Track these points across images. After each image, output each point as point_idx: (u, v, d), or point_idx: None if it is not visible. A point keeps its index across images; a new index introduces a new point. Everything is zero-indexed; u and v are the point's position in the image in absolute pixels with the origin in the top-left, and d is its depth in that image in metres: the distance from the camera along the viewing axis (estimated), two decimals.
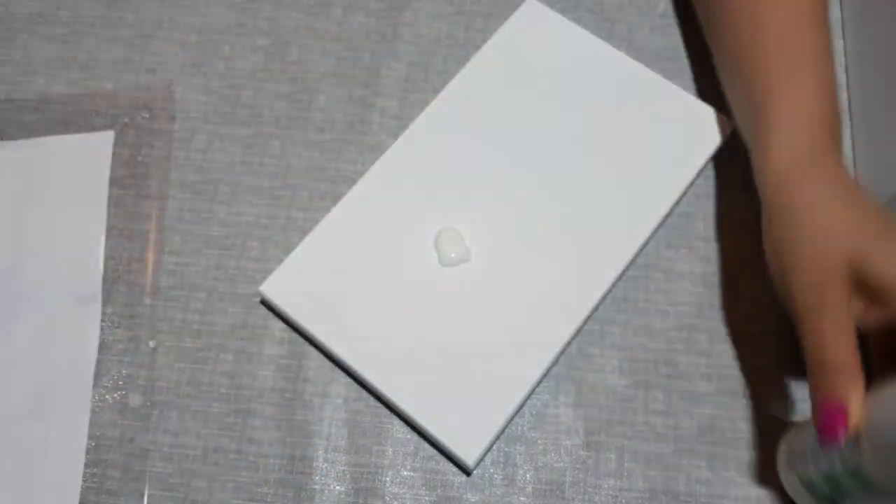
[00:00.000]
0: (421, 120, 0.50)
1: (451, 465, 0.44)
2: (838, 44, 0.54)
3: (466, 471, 0.44)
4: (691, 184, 0.49)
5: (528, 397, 0.45)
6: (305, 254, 0.47)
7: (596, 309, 0.47)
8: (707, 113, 0.50)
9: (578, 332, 0.47)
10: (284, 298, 0.46)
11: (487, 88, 0.51)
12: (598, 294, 0.46)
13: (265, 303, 0.48)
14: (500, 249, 0.47)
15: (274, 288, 0.46)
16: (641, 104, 0.50)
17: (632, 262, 0.48)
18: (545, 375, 0.46)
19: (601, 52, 0.52)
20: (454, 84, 0.51)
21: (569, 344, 0.46)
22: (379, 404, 0.46)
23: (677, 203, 0.49)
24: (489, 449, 0.44)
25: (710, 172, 0.51)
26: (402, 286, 0.46)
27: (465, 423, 0.43)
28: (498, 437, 0.44)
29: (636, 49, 0.54)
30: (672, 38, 0.55)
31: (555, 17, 0.53)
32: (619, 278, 0.48)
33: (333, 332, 0.45)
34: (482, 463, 0.44)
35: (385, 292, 0.46)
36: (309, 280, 0.46)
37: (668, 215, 0.49)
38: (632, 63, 0.52)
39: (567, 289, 0.46)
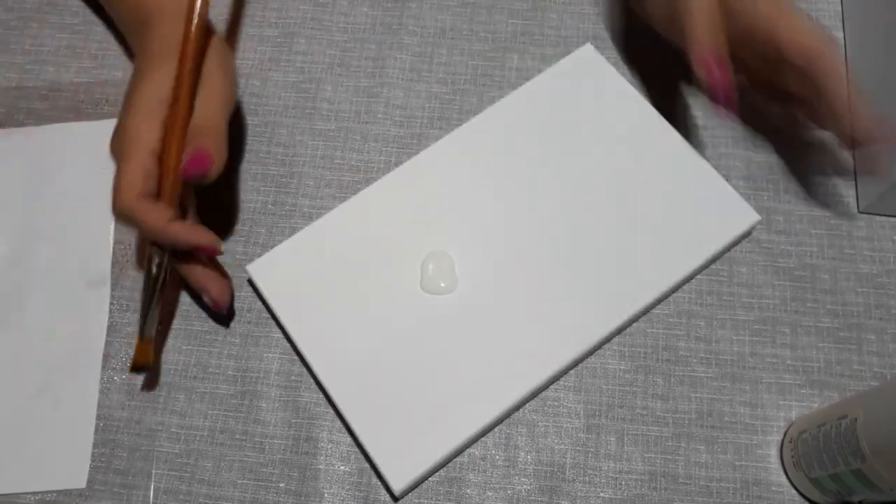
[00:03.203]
0: (445, 140, 0.50)
1: None
2: (838, 39, 0.55)
3: (393, 496, 0.44)
4: (699, 269, 0.48)
5: (474, 442, 0.45)
6: (296, 246, 0.47)
7: (566, 372, 0.46)
8: (733, 199, 0.48)
9: (545, 387, 0.46)
10: (266, 282, 0.46)
11: (522, 121, 0.50)
12: (570, 356, 0.45)
13: (251, 283, 0.48)
14: (486, 285, 0.46)
15: (260, 270, 0.47)
16: (669, 175, 0.49)
17: (620, 330, 0.47)
18: (497, 423, 0.45)
19: (644, 113, 0.50)
20: (490, 111, 0.50)
21: (534, 395, 0.45)
22: None
23: (676, 286, 0.48)
24: (421, 481, 0.44)
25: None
26: (381, 299, 0.46)
27: (402, 450, 0.43)
28: (433, 473, 0.44)
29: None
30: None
31: (607, 69, 0.51)
32: (598, 347, 0.47)
33: (301, 324, 0.45)
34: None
35: (363, 301, 0.46)
36: (294, 271, 0.47)
37: (665, 295, 0.47)
38: (671, 131, 0.50)
39: (541, 341, 0.45)
